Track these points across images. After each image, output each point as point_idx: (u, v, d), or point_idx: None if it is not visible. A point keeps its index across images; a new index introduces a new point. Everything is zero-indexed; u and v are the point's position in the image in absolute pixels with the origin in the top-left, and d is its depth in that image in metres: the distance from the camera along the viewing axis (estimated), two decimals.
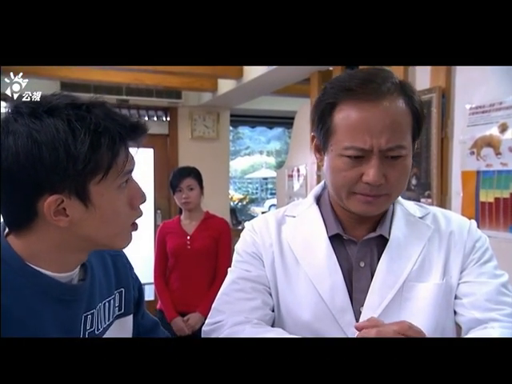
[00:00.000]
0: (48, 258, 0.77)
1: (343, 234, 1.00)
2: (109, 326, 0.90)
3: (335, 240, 1.00)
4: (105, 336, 0.88)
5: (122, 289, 0.95)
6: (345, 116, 0.90)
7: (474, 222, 1.04)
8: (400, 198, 1.05)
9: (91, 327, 0.85)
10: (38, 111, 0.72)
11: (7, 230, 0.79)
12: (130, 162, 0.79)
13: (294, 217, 1.06)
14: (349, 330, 0.94)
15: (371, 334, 0.78)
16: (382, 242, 0.99)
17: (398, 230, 1.00)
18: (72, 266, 0.81)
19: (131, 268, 1.00)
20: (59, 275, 0.79)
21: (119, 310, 0.94)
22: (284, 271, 1.01)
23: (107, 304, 0.90)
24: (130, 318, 0.97)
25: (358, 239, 0.99)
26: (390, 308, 0.95)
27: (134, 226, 0.83)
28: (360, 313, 0.95)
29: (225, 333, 0.95)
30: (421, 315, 0.94)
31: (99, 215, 0.76)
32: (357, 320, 0.95)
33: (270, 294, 1.02)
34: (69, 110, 0.73)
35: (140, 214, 0.83)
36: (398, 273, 0.96)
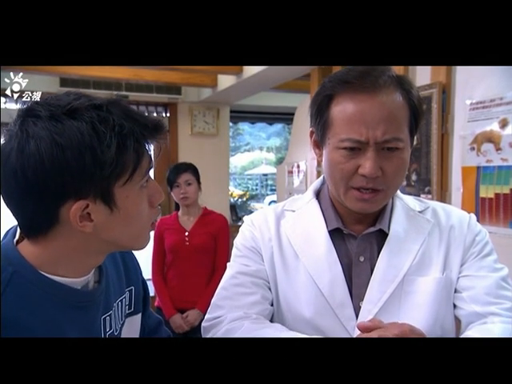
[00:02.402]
0: (66, 263, 0.75)
1: (343, 229, 0.99)
2: (122, 325, 0.89)
3: (335, 234, 1.00)
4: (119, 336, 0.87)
5: (132, 287, 0.94)
6: (341, 108, 0.91)
7: (473, 216, 1.04)
8: (399, 193, 1.04)
9: (110, 329, 0.84)
10: (58, 113, 0.69)
11: (17, 237, 0.77)
12: (151, 159, 0.77)
13: (294, 211, 1.06)
14: (349, 324, 0.94)
15: (372, 337, 0.78)
16: (382, 236, 0.99)
17: (397, 225, 0.99)
18: (89, 269, 0.80)
19: (139, 266, 0.99)
20: (76, 280, 0.77)
21: (129, 309, 0.93)
22: (283, 265, 1.00)
23: (120, 303, 0.89)
24: (139, 316, 0.96)
25: (358, 234, 0.99)
26: (390, 302, 0.94)
27: (153, 226, 0.81)
28: (360, 307, 0.95)
29: (223, 329, 0.95)
30: (421, 309, 0.94)
31: (123, 217, 0.74)
32: (356, 315, 0.95)
33: (269, 289, 1.01)
34: (90, 111, 0.70)
35: (159, 212, 0.82)
36: (398, 267, 0.96)
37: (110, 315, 0.84)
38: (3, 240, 0.78)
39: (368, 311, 0.94)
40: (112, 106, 0.72)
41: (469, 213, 1.05)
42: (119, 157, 0.70)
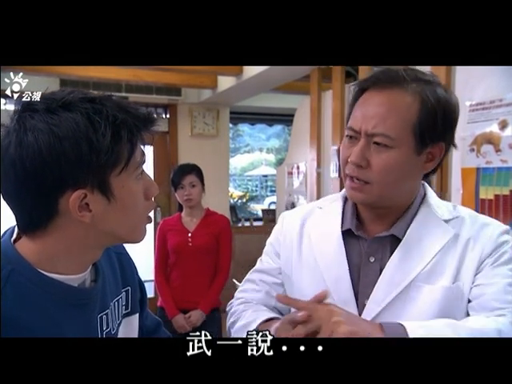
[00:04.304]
0: (64, 258, 0.76)
1: (354, 231, 1.01)
2: (119, 325, 0.90)
3: (350, 234, 1.02)
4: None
5: (129, 287, 0.94)
6: (358, 102, 0.96)
7: (501, 229, 0.98)
8: (430, 200, 1.02)
9: (107, 327, 0.84)
10: (53, 106, 0.71)
11: (15, 236, 0.77)
12: (144, 153, 0.79)
13: (321, 208, 1.10)
14: None
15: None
16: (397, 240, 0.99)
17: (414, 231, 0.98)
18: (86, 264, 0.80)
19: (135, 267, 0.99)
20: (73, 277, 0.77)
21: (126, 309, 0.93)
22: (299, 261, 1.06)
23: (116, 303, 0.89)
24: (136, 316, 0.97)
25: (370, 236, 1.00)
26: (393, 305, 0.94)
27: (149, 219, 0.83)
28: (364, 306, 0.96)
29: (233, 309, 1.11)
30: (423, 317, 0.92)
31: (120, 207, 0.75)
32: (360, 313, 0.96)
33: (280, 284, 1.09)
34: (84, 103, 0.72)
35: (154, 205, 0.84)
36: (406, 271, 0.95)
37: (106, 314, 0.84)
38: (1, 239, 0.78)
39: (371, 310, 0.95)
40: (105, 100, 0.75)
41: (501, 224, 1.00)
42: (114, 146, 0.72)
